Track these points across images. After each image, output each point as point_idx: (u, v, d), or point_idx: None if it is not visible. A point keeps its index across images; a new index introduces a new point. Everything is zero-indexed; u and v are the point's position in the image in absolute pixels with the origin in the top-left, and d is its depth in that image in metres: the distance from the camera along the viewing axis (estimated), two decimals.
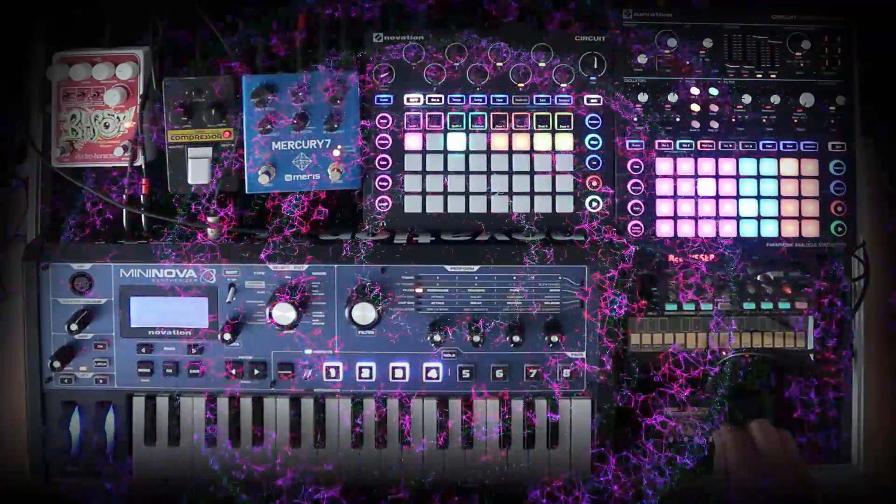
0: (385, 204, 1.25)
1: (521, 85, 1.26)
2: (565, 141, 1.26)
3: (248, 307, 1.21)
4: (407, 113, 1.26)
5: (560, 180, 1.26)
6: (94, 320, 1.20)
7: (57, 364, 1.17)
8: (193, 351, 1.21)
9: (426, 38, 1.26)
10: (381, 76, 1.26)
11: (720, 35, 1.27)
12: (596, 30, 1.27)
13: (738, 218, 1.26)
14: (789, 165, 1.26)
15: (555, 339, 1.19)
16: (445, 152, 1.26)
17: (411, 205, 1.25)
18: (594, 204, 1.26)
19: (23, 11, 1.26)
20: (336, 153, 1.23)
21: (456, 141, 1.26)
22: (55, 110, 1.25)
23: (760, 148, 1.27)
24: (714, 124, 1.27)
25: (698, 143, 1.27)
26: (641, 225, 1.25)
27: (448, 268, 1.21)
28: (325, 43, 1.26)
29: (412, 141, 1.26)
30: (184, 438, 1.22)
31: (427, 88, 1.26)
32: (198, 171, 1.22)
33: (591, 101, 1.27)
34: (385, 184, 1.25)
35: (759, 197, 1.26)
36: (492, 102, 1.27)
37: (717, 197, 1.27)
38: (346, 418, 1.22)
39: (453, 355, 1.21)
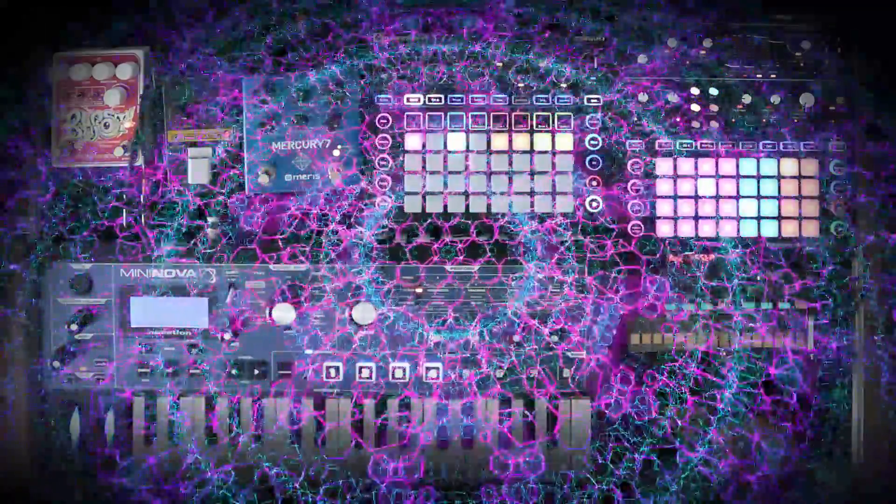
0: (385, 204, 1.25)
1: (522, 85, 1.27)
2: (565, 141, 1.26)
3: (248, 307, 1.21)
4: (407, 113, 1.26)
5: (560, 180, 1.26)
6: (94, 320, 1.21)
7: (57, 364, 1.17)
8: (193, 351, 1.21)
9: (427, 37, 1.26)
10: (382, 76, 1.26)
11: (720, 35, 1.27)
12: (596, 30, 1.27)
13: (738, 218, 1.26)
14: (789, 165, 1.27)
15: (555, 338, 1.19)
16: (445, 152, 1.26)
17: (411, 205, 1.25)
18: (594, 204, 1.26)
19: (23, 11, 1.25)
20: (336, 153, 1.23)
21: (456, 141, 1.26)
22: (55, 110, 1.25)
23: (760, 148, 1.27)
24: (714, 124, 1.27)
25: (698, 143, 1.27)
26: (641, 225, 1.26)
27: (448, 267, 1.21)
28: (325, 42, 1.26)
29: (412, 141, 1.26)
30: (183, 438, 1.22)
31: (427, 88, 1.27)
32: (197, 171, 1.22)
33: (591, 101, 1.27)
34: (385, 184, 1.25)
35: (759, 197, 1.27)
36: (492, 102, 1.27)
37: (717, 197, 1.27)
38: (346, 418, 1.22)
39: (453, 355, 1.21)
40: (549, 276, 1.20)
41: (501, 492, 1.20)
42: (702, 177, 1.27)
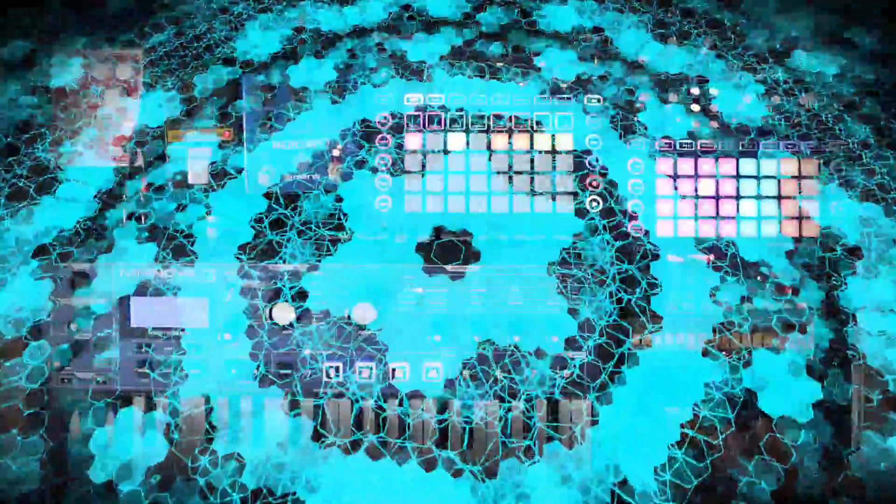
0: (385, 204, 1.25)
1: (522, 85, 1.27)
2: (565, 141, 1.27)
3: (248, 307, 1.21)
4: (407, 113, 1.27)
5: (560, 180, 1.26)
6: (94, 320, 1.21)
7: (57, 364, 1.17)
8: (193, 351, 1.21)
9: (426, 37, 1.26)
10: (382, 75, 1.26)
11: (721, 35, 1.27)
12: (597, 29, 1.28)
13: (738, 218, 1.26)
14: (789, 165, 1.27)
15: (555, 339, 1.19)
16: (445, 152, 1.26)
17: (411, 205, 1.26)
18: (594, 204, 1.26)
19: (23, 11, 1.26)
20: (336, 153, 1.24)
21: (456, 141, 1.27)
22: (56, 110, 1.25)
23: (760, 148, 1.27)
24: (714, 124, 1.27)
25: (698, 143, 1.27)
26: (641, 225, 1.26)
27: (448, 267, 1.21)
28: (326, 42, 1.27)
29: (412, 141, 1.26)
30: (184, 438, 1.22)
31: (427, 88, 1.27)
32: (198, 171, 1.23)
33: (591, 101, 1.27)
34: (385, 184, 1.26)
35: (759, 197, 1.27)
36: (492, 102, 1.27)
37: (717, 197, 1.27)
38: (346, 418, 1.22)
39: (453, 355, 1.21)
40: (547, 275, 1.20)
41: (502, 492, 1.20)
42: (702, 177, 1.27)
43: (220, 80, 1.24)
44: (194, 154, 1.24)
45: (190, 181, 1.23)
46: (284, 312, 1.17)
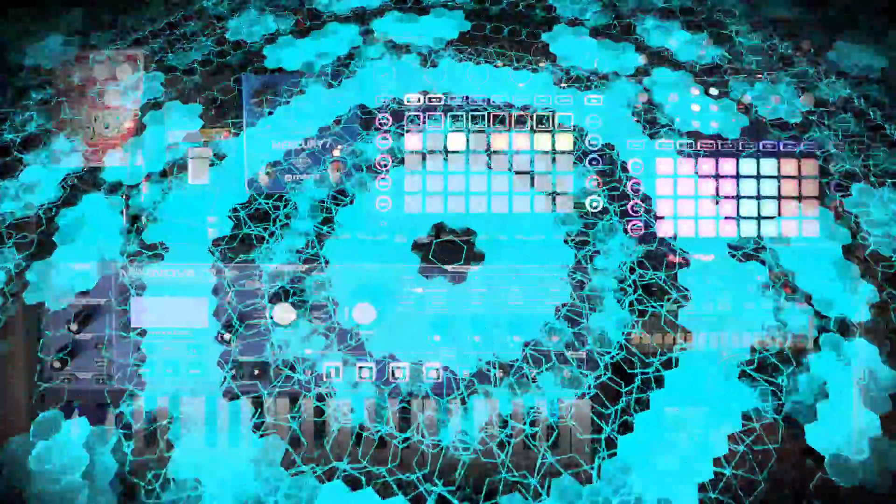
0: (385, 204, 1.25)
1: (522, 85, 1.27)
2: (565, 141, 1.26)
3: (248, 307, 1.21)
4: (407, 113, 1.26)
5: (560, 180, 1.26)
6: (94, 320, 1.21)
7: (57, 364, 1.17)
8: (193, 351, 1.21)
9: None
10: (381, 75, 1.26)
11: (721, 34, 1.27)
12: (597, 29, 1.27)
13: (738, 218, 1.26)
14: (789, 165, 1.27)
15: (555, 339, 1.19)
16: (445, 152, 1.26)
17: (411, 205, 1.26)
18: (594, 204, 1.26)
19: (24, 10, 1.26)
20: (336, 153, 1.23)
21: (456, 141, 1.26)
22: (56, 110, 1.25)
23: (760, 148, 1.27)
24: (714, 124, 1.27)
25: (698, 143, 1.27)
26: (641, 225, 1.26)
27: (448, 267, 1.21)
28: (325, 40, 1.27)
29: (412, 141, 1.26)
30: (183, 438, 1.22)
31: (428, 88, 1.27)
32: (198, 171, 1.23)
33: (591, 101, 1.27)
34: (385, 184, 1.26)
35: (759, 197, 1.27)
36: (492, 102, 1.27)
37: (717, 197, 1.27)
38: (346, 418, 1.22)
39: (453, 355, 1.21)
40: (547, 275, 1.20)
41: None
42: (702, 177, 1.27)
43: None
44: (194, 153, 1.23)
45: (190, 181, 1.23)
46: (285, 313, 1.17)
